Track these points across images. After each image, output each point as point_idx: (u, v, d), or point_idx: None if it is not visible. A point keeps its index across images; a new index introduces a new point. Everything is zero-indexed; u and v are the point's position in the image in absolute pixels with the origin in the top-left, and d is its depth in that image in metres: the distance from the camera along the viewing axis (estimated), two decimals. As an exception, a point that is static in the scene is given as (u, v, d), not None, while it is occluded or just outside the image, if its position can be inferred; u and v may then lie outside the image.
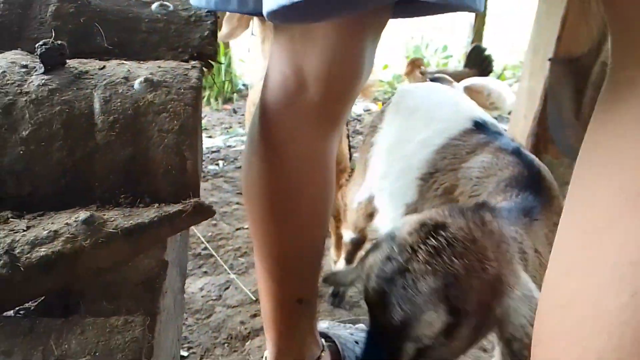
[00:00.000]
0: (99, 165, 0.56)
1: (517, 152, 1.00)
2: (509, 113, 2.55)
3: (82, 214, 0.49)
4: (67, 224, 0.49)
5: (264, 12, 0.55)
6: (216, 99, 3.64)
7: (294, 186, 0.86)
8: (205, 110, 3.52)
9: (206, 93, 3.70)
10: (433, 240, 0.64)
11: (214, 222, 1.95)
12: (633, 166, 0.36)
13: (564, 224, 0.42)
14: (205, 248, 1.78)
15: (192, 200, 0.54)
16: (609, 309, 0.33)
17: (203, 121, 3.23)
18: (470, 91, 2.71)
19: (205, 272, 1.67)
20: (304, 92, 0.79)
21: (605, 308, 0.33)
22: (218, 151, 2.70)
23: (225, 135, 2.99)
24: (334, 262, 1.69)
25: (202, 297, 1.54)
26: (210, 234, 1.87)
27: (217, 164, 2.52)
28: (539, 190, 0.87)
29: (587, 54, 1.85)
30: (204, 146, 2.78)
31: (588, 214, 0.39)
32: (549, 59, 1.92)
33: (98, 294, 0.51)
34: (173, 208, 0.53)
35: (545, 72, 1.98)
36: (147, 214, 0.52)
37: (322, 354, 1.06)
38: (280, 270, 0.91)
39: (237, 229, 1.91)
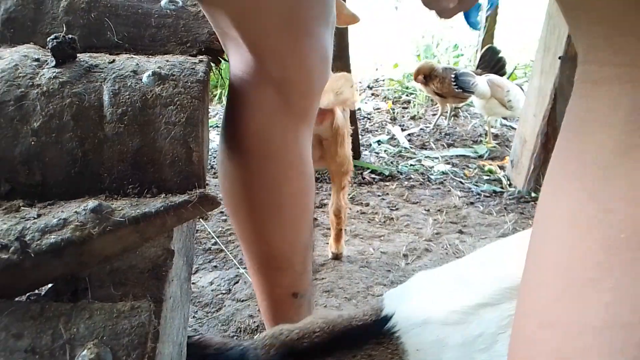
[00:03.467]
0: (108, 155, 0.58)
1: None
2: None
3: (91, 203, 0.51)
4: (76, 212, 0.50)
5: None
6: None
7: (273, 186, 0.85)
8: (217, 108, 3.54)
9: (218, 91, 3.73)
10: None
11: (224, 217, 1.97)
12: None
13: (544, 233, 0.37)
14: (215, 243, 1.80)
15: (197, 191, 0.55)
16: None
17: (214, 119, 3.26)
18: (492, 84, 2.72)
19: (215, 266, 1.69)
20: (268, 93, 0.79)
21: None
22: (228, 148, 2.72)
23: (235, 132, 3.01)
24: (332, 253, 1.74)
25: (211, 290, 1.56)
26: (220, 229, 1.89)
27: (227, 161, 2.54)
28: None
29: (599, 51, 1.84)
30: (216, 143, 2.80)
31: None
32: (559, 57, 1.91)
33: (106, 280, 0.52)
34: (179, 198, 0.54)
35: (555, 71, 1.98)
36: (154, 204, 0.53)
37: None
38: (270, 269, 0.92)
39: (246, 225, 1.93)
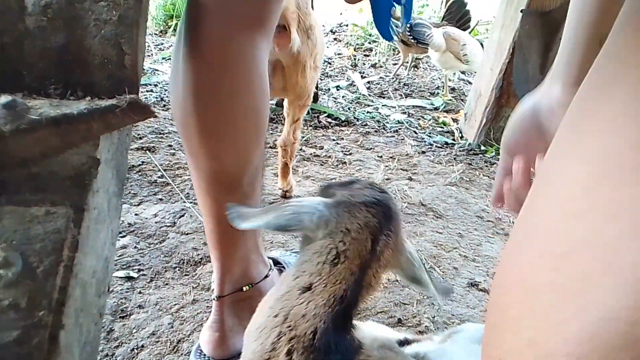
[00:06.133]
0: (29, 51, 0.52)
1: None
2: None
3: (3, 98, 0.46)
4: (-14, 106, 0.45)
5: None
6: (183, 29, 3.49)
7: (228, 98, 0.83)
8: (171, 40, 3.38)
9: (173, 22, 3.54)
10: None
11: (172, 151, 1.91)
12: None
13: (569, 154, 0.35)
14: (162, 176, 1.75)
15: (127, 96, 0.51)
16: (625, 262, 0.27)
17: (167, 51, 3.11)
18: (448, 37, 2.69)
19: (161, 199, 1.64)
20: (228, 1, 0.78)
21: (620, 261, 0.27)
22: (181, 82, 2.61)
23: (190, 66, 2.88)
24: (280, 190, 1.72)
25: (155, 222, 1.52)
26: (167, 162, 1.83)
27: (179, 95, 2.44)
28: None
29: (559, 7, 1.84)
30: (167, 76, 2.68)
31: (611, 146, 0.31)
32: (521, 11, 1.90)
33: (22, 185, 0.48)
34: (106, 102, 0.50)
35: (516, 25, 1.97)
36: (77, 106, 0.49)
37: (270, 272, 1.07)
38: (219, 188, 0.90)
39: (195, 160, 1.88)
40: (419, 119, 2.60)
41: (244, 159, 0.89)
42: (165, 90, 2.47)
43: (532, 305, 0.31)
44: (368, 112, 2.62)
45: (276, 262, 1.16)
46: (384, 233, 0.66)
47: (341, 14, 4.12)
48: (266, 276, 1.05)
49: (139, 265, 1.35)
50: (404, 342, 1.00)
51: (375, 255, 0.65)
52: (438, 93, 2.98)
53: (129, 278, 1.31)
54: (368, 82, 3.06)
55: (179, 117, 0.88)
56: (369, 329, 1.01)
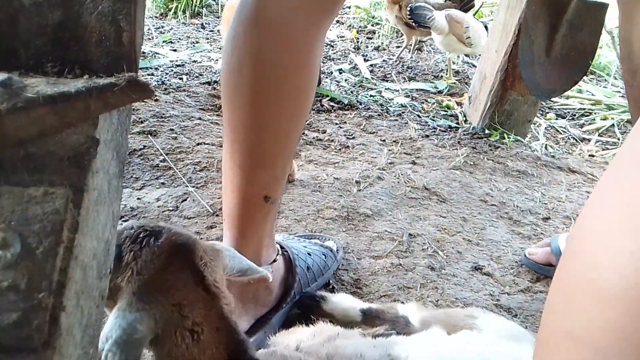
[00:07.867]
0: (25, 28, 0.51)
1: None
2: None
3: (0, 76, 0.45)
4: (-19, 84, 0.44)
5: None
6: (184, 12, 3.45)
7: (284, 73, 0.82)
8: (172, 22, 3.35)
9: (174, 5, 3.50)
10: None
11: (174, 135, 1.90)
12: None
13: None
14: (164, 160, 1.74)
15: (126, 74, 0.50)
16: None
17: (168, 34, 3.08)
18: (451, 19, 2.64)
19: (163, 183, 1.64)
20: None
21: None
22: (182, 65, 2.59)
23: (191, 50, 2.85)
24: None
25: (158, 207, 1.51)
26: (169, 146, 1.82)
27: (181, 78, 2.42)
28: None
29: (567, -13, 1.81)
30: (168, 59, 2.66)
31: None
32: (529, -10, 1.87)
33: (19, 166, 0.47)
34: (104, 80, 0.49)
35: (522, 6, 1.94)
36: (75, 84, 0.48)
37: (277, 257, 1.07)
38: (253, 164, 0.89)
39: (198, 144, 1.87)
40: (422, 103, 2.57)
41: (283, 138, 0.89)
42: (167, 74, 2.44)
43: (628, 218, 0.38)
44: (371, 95, 2.59)
45: (280, 246, 1.15)
46: (193, 260, 0.64)
47: (344, -4, 4.07)
48: (274, 261, 1.04)
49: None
50: (366, 312, 1.02)
51: (205, 281, 0.64)
52: (442, 76, 2.95)
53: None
54: (371, 65, 3.03)
55: (230, 82, 0.85)
56: (338, 300, 1.06)
